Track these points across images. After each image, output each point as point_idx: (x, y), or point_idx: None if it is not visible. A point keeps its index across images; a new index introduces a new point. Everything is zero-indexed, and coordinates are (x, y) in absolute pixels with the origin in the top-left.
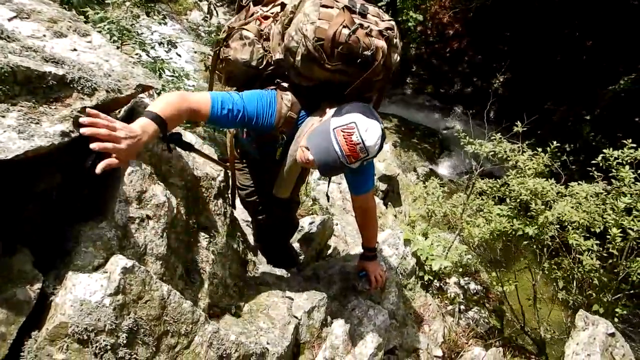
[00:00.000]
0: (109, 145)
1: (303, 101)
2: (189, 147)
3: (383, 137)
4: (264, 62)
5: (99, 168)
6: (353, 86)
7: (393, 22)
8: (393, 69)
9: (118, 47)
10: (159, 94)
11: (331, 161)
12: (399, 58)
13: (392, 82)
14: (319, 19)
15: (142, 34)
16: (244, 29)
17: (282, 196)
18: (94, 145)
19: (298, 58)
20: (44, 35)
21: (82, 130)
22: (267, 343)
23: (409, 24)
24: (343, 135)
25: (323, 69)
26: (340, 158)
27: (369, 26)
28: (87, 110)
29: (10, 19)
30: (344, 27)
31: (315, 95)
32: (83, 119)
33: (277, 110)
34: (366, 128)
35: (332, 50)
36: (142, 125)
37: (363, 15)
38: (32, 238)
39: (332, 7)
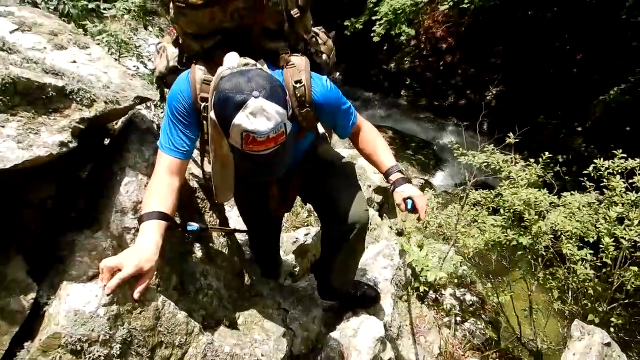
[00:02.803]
0: (144, 282)
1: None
2: (205, 230)
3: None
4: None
5: (136, 295)
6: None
7: None
8: None
9: (117, 60)
10: (156, 106)
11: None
12: None
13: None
14: None
15: (140, 46)
16: (159, 43)
17: (222, 201)
18: (136, 296)
19: (172, 14)
20: (45, 48)
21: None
22: (262, 355)
23: (403, 38)
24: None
25: (197, 9)
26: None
27: None
28: (100, 266)
29: (12, 32)
30: None
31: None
32: (109, 287)
33: (191, 80)
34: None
35: None
36: (148, 236)
37: None
38: (27, 247)
39: None
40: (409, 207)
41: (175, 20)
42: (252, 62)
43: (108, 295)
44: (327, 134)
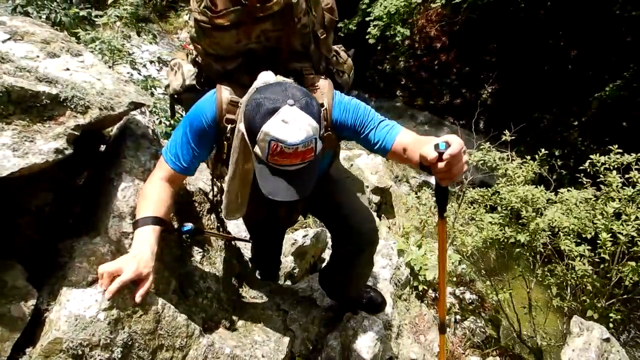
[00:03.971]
0: (144, 286)
1: (245, 82)
2: (201, 233)
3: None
4: (200, 74)
5: (137, 298)
6: (280, 45)
7: None
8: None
9: (110, 67)
10: (150, 111)
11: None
12: None
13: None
14: None
15: (133, 53)
16: (173, 58)
17: (230, 218)
18: (138, 299)
19: (194, 33)
20: (38, 56)
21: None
22: (262, 356)
23: (397, 38)
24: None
25: (221, 30)
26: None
27: None
28: (99, 271)
29: (4, 41)
30: None
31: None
32: (110, 291)
33: (217, 100)
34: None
35: (212, 1)
36: (144, 242)
37: None
38: (26, 254)
39: None
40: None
41: (197, 39)
42: (287, 79)
43: (109, 299)
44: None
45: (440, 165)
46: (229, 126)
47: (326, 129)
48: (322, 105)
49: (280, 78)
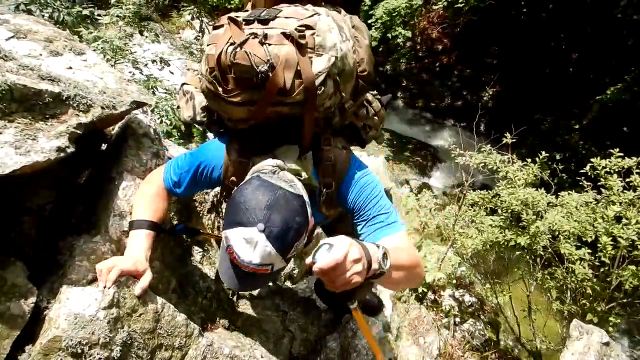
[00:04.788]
0: (143, 281)
1: (257, 145)
2: (196, 233)
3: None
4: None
5: (137, 291)
6: (303, 124)
7: (318, 18)
8: (352, 82)
9: (112, 66)
10: (152, 111)
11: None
12: (360, 63)
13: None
14: (208, 44)
15: (135, 52)
16: (185, 83)
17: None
18: (138, 292)
19: (203, 87)
20: (41, 55)
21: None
22: (262, 357)
23: (399, 40)
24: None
25: (231, 104)
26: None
27: (264, 33)
28: (97, 268)
29: (8, 39)
30: (230, 44)
31: (268, 140)
32: (110, 279)
33: (224, 163)
34: (243, 239)
35: (224, 77)
36: (138, 246)
37: (264, 22)
38: (27, 252)
39: (222, 26)
40: (322, 245)
41: (206, 98)
42: (293, 166)
43: (109, 288)
44: None
45: (316, 273)
46: (233, 185)
47: (330, 206)
48: (329, 185)
49: (279, 164)
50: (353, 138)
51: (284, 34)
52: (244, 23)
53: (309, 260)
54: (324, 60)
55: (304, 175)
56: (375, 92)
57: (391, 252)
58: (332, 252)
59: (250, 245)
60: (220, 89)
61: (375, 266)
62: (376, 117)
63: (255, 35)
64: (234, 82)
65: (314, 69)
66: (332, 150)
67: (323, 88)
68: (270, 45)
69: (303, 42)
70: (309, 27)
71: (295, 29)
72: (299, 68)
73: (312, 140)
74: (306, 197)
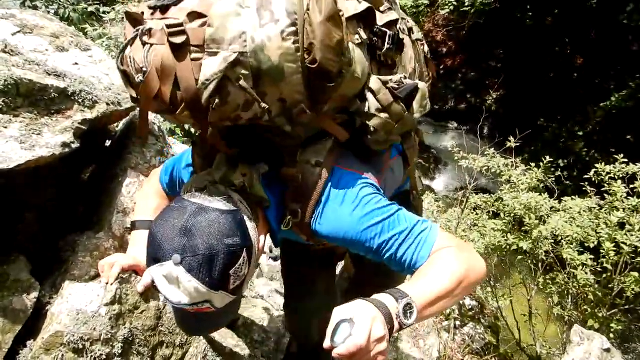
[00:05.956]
0: (143, 281)
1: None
2: None
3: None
4: None
5: (140, 287)
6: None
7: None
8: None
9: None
10: None
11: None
12: (309, 50)
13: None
14: None
15: None
16: None
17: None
18: (140, 289)
19: None
20: (47, 50)
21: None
22: (262, 355)
23: None
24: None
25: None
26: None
27: (148, 29)
28: (100, 264)
29: (14, 34)
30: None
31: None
32: (112, 275)
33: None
34: (165, 278)
35: (130, 83)
36: (139, 246)
37: (165, 9)
38: (30, 247)
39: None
40: (340, 322)
41: None
42: (220, 174)
43: (111, 284)
44: None
45: (336, 358)
46: None
47: (309, 236)
48: (295, 213)
49: (208, 179)
50: (350, 145)
51: (167, 29)
52: (149, 11)
53: (327, 344)
54: (216, 60)
55: (238, 181)
56: (389, 78)
57: (420, 288)
58: (353, 332)
59: (172, 283)
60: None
61: (396, 326)
62: (383, 114)
63: (143, 32)
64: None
65: (202, 74)
66: (299, 168)
67: (217, 99)
68: (152, 45)
69: (180, 39)
70: (199, 15)
71: (177, 21)
72: (176, 76)
73: (273, 154)
74: (245, 212)
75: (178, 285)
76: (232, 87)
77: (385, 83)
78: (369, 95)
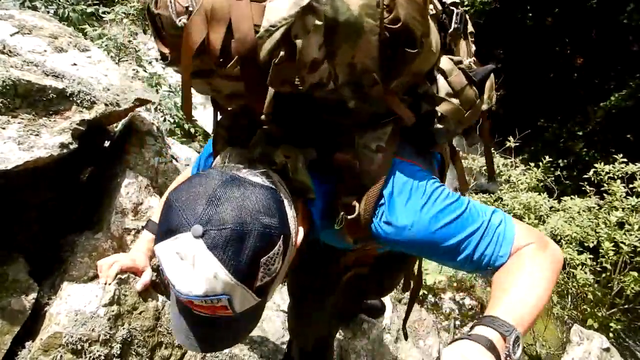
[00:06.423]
0: (144, 277)
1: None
2: None
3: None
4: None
5: (138, 286)
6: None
7: None
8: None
9: (116, 63)
10: (155, 109)
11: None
12: (390, 7)
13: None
14: None
15: (139, 50)
16: None
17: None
18: (138, 287)
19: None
20: (45, 50)
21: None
22: (261, 356)
23: None
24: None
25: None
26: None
27: None
28: (98, 264)
29: (12, 35)
30: None
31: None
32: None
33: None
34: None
35: (159, 34)
36: (140, 246)
37: None
38: (28, 248)
39: None
40: None
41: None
42: (260, 150)
43: (109, 283)
44: None
45: None
46: None
47: (358, 238)
48: (351, 208)
49: (238, 162)
50: (412, 134)
51: None
52: None
53: None
54: (284, 3)
55: (280, 159)
56: (459, 58)
57: (519, 311)
58: None
59: (185, 263)
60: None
61: None
62: (454, 99)
63: None
64: (169, 39)
65: (265, 19)
66: (357, 153)
67: (283, 52)
68: None
69: None
70: None
71: None
72: (231, 19)
73: (322, 136)
74: (286, 196)
75: (193, 265)
76: (302, 38)
77: (457, 63)
78: (439, 77)
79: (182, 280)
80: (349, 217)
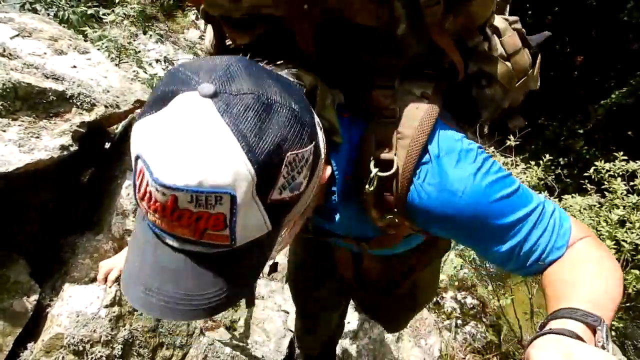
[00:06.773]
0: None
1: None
2: None
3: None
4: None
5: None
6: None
7: None
8: None
9: (116, 65)
10: None
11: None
12: None
13: None
14: None
15: (139, 51)
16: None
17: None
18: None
19: None
20: (45, 53)
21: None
22: (262, 356)
23: None
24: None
25: None
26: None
27: None
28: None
29: (12, 38)
30: None
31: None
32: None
33: None
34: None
35: None
36: None
37: None
38: (29, 249)
39: None
40: None
41: None
42: (309, 80)
43: (110, 287)
44: None
45: None
46: None
47: (384, 208)
48: (388, 164)
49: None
50: (452, 96)
51: None
52: None
53: None
54: None
55: (309, 80)
56: (514, 18)
57: (605, 306)
58: None
59: (178, 132)
60: None
61: None
62: (507, 63)
63: None
64: None
65: None
66: (396, 98)
67: None
68: None
69: None
70: None
71: None
72: None
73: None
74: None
75: (190, 136)
76: None
77: (512, 23)
78: (493, 37)
79: (168, 161)
80: (384, 174)
